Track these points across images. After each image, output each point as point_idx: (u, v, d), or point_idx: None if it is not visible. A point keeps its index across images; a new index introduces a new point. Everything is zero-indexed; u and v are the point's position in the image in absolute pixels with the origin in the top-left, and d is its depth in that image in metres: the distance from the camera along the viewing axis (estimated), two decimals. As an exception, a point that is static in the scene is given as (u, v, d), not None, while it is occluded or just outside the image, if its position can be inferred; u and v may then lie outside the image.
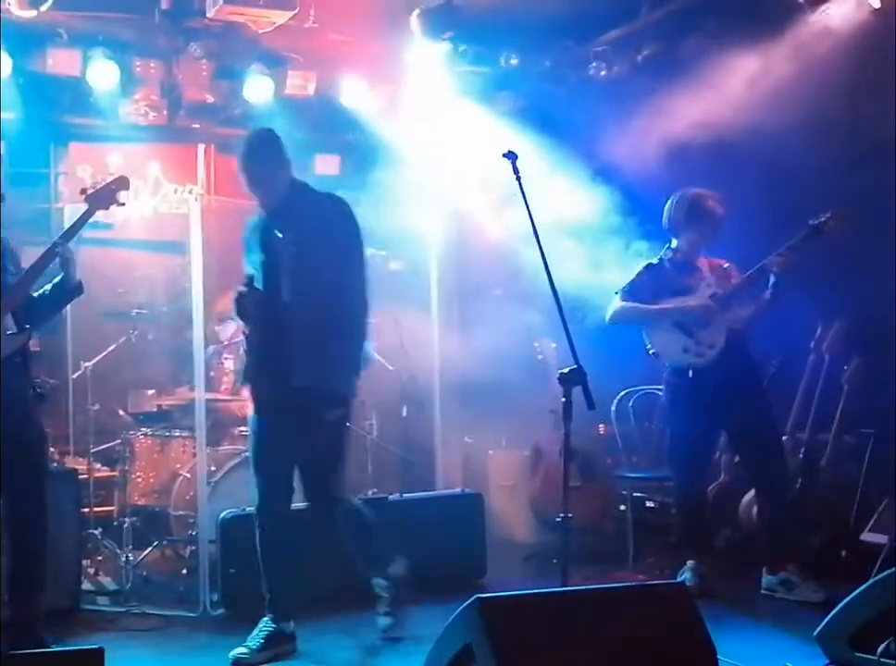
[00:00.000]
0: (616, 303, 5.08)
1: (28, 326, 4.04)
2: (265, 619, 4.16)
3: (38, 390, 4.12)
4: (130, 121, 6.71)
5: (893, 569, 3.65)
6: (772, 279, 4.82)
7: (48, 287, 4.18)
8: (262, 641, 4.08)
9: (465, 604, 2.88)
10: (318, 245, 4.10)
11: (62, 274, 4.12)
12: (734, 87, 5.69)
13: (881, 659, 3.42)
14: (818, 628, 3.71)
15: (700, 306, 4.92)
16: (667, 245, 5.15)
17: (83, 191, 4.22)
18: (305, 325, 4.05)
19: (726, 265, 5.12)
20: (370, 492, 5.33)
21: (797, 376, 5.52)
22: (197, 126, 6.94)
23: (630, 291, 5.06)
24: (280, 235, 4.14)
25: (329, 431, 4.14)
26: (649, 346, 5.07)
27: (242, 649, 4.05)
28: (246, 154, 4.22)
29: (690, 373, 4.92)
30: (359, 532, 4.29)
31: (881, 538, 4.85)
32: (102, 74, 6.23)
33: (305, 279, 4.08)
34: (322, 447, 4.16)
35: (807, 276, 4.91)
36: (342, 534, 4.27)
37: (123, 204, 4.29)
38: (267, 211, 4.26)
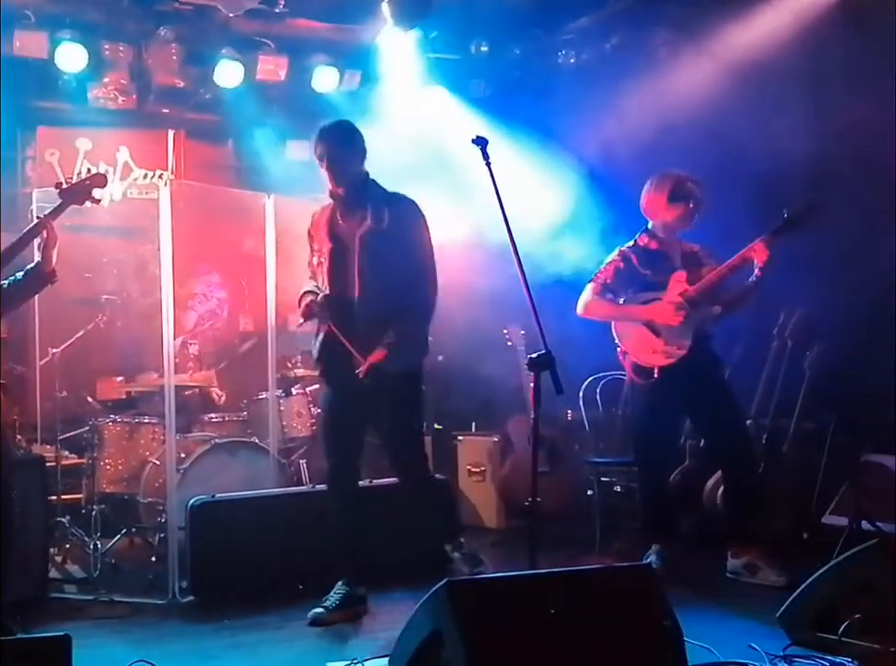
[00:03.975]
0: (589, 296, 5.04)
1: None
2: (340, 583, 4.46)
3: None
4: (98, 105, 6.65)
5: (853, 551, 3.74)
6: (755, 271, 4.83)
7: (19, 274, 4.08)
8: (337, 602, 4.39)
9: (433, 588, 2.91)
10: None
11: (37, 260, 4.06)
12: (700, 75, 5.74)
13: (842, 639, 3.50)
14: (781, 610, 3.78)
15: (668, 314, 4.90)
16: (644, 228, 5.10)
17: (58, 184, 4.17)
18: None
19: (697, 250, 5.09)
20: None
21: (760, 363, 5.58)
22: (167, 111, 6.89)
23: (603, 284, 5.02)
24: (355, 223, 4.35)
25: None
26: (617, 342, 5.07)
27: (318, 609, 4.36)
28: (340, 136, 4.47)
29: (656, 372, 4.93)
30: None
31: (842, 521, 4.94)
32: (70, 57, 6.17)
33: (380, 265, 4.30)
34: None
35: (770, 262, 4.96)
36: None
37: (98, 201, 4.26)
38: (338, 200, 4.47)
